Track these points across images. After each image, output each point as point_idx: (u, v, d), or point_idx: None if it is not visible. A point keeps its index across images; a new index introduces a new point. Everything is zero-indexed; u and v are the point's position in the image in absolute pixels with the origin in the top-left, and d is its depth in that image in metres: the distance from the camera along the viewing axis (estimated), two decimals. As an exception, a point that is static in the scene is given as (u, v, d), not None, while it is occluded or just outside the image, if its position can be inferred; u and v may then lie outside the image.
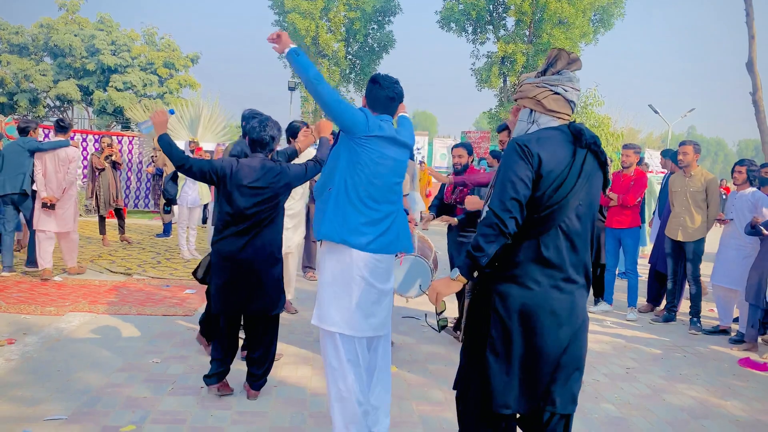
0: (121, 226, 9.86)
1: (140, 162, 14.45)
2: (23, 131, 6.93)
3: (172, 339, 4.88)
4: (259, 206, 3.58)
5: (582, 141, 2.19)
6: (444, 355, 4.87)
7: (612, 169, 7.99)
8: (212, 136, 14.95)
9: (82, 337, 4.81)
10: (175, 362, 4.36)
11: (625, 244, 6.49)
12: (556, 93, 2.25)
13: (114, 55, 26.90)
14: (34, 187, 6.85)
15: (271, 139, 3.71)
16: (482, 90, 27.73)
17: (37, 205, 6.76)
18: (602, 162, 2.26)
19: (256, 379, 3.78)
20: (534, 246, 2.18)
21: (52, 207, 6.69)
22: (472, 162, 5.19)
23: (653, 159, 15.80)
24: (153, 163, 11.94)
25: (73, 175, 6.91)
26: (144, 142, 14.57)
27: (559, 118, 2.27)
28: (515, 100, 2.39)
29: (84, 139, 13.77)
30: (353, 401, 2.88)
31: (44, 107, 28.38)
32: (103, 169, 9.48)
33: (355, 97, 31.58)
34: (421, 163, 15.74)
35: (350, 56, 30.70)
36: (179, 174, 8.76)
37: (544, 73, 2.30)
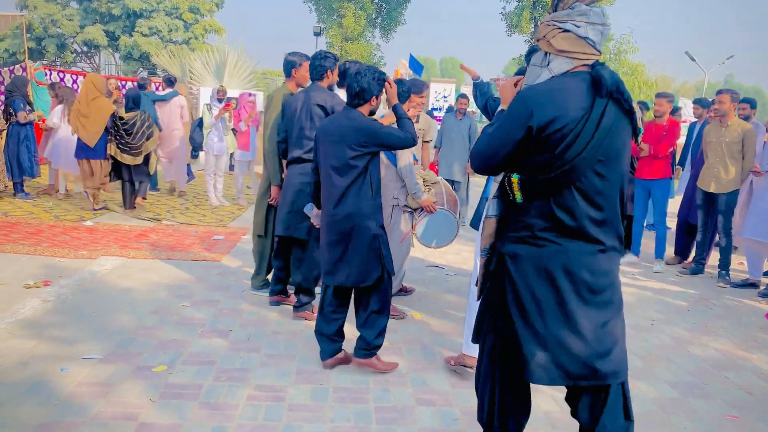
0: None
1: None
2: (142, 86, 9.21)
3: (202, 284, 4.99)
4: None
5: (602, 90, 1.94)
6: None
7: (646, 117, 7.77)
8: (238, 83, 14.88)
9: (114, 280, 4.95)
10: (205, 306, 4.47)
11: (655, 195, 6.38)
12: (566, 30, 2.01)
13: (139, -1, 26.68)
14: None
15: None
16: (512, 35, 26.92)
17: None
18: (627, 110, 2.01)
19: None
20: (546, 207, 2.00)
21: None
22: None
23: (687, 108, 15.35)
24: None
25: (185, 117, 9.40)
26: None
27: (575, 58, 2.01)
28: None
29: (74, 81, 13.60)
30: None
31: (72, 53, 28.46)
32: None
33: (381, 42, 31.01)
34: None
35: (376, 0, 29.98)
36: (205, 122, 8.78)
37: (555, 9, 2.08)
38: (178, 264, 5.54)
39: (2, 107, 8.23)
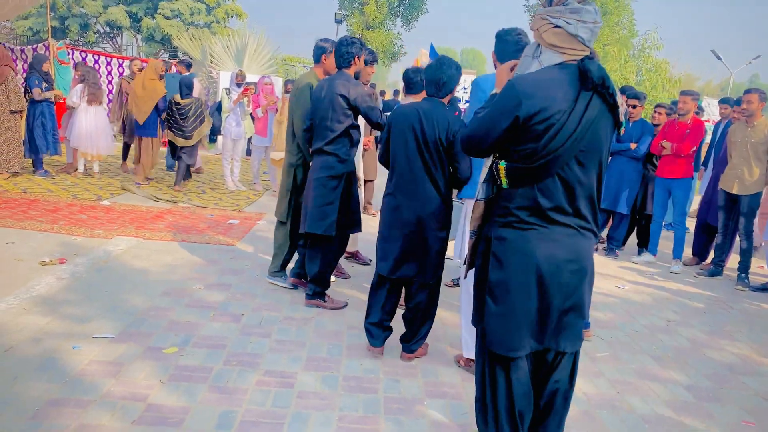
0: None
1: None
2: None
3: (215, 267, 4.99)
4: None
5: (588, 83, 2.01)
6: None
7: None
8: (258, 68, 14.86)
9: (128, 260, 4.97)
10: (218, 290, 4.47)
11: (675, 195, 6.26)
12: (558, 26, 2.06)
13: (162, -19, 26.73)
14: None
15: None
16: (535, 29, 26.58)
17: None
18: (611, 105, 2.08)
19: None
20: (530, 194, 2.11)
21: None
22: None
23: (711, 107, 15.09)
24: None
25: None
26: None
27: (564, 53, 2.08)
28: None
29: (108, 63, 13.67)
30: None
31: (94, 33, 28.62)
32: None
33: (402, 31, 30.80)
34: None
35: (399, -11, 29.73)
36: (223, 106, 8.78)
37: (550, 3, 2.13)
38: (193, 247, 5.55)
39: (24, 85, 8.28)
